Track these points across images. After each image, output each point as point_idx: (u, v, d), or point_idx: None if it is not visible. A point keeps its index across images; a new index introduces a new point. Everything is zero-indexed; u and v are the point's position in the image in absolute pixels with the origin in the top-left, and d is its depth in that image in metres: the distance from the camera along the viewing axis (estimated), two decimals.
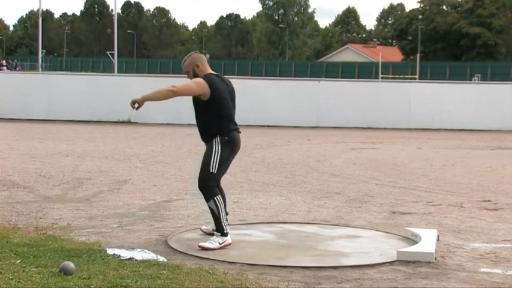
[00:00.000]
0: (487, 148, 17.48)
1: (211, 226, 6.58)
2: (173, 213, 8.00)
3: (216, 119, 6.35)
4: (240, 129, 6.61)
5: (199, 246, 6.21)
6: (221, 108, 6.35)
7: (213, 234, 6.40)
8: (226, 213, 6.53)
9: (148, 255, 5.83)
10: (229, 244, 6.32)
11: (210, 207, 6.32)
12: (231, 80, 6.79)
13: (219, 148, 6.33)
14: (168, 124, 21.25)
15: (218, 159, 6.30)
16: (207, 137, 6.42)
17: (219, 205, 6.28)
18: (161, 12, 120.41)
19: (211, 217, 6.38)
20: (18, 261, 5.41)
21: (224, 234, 6.30)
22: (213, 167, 6.29)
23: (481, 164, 13.87)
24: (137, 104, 6.26)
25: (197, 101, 6.36)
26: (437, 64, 76.32)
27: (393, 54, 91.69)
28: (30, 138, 17.18)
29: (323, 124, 23.08)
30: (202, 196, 6.46)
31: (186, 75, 6.54)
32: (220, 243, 6.24)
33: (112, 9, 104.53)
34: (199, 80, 6.30)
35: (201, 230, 6.82)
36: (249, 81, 27.83)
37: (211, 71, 6.49)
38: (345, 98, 23.50)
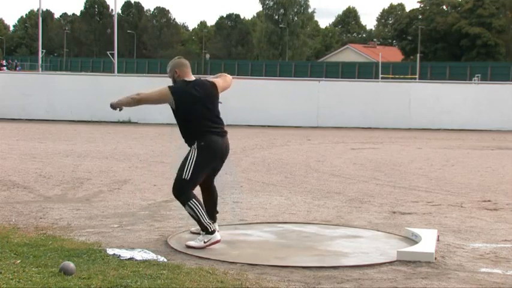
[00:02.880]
0: (487, 148, 17.48)
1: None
2: (173, 213, 8.00)
3: (189, 125, 6.36)
4: (226, 130, 6.54)
5: (186, 245, 6.27)
6: (190, 114, 6.32)
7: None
8: (217, 212, 6.66)
9: (148, 255, 5.83)
10: (218, 241, 6.31)
11: (187, 212, 6.36)
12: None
13: (195, 154, 6.30)
14: (168, 124, 21.22)
15: (192, 165, 6.27)
16: (188, 142, 6.45)
17: (195, 208, 6.27)
18: (161, 12, 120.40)
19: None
20: (18, 261, 5.41)
21: (209, 233, 6.30)
22: (186, 174, 6.26)
23: (481, 164, 13.87)
24: (118, 107, 6.38)
25: (172, 110, 6.41)
26: (437, 64, 76.39)
27: (393, 54, 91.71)
28: (30, 138, 17.18)
29: (323, 124, 23.08)
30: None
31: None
32: (205, 242, 6.27)
33: (112, 9, 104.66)
34: (164, 88, 6.35)
35: (190, 231, 6.85)
36: (249, 81, 27.84)
37: (189, 77, 6.47)
38: (345, 98, 23.49)
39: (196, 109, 6.34)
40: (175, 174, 6.38)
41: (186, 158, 6.34)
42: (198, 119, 6.34)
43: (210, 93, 6.50)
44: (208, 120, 6.38)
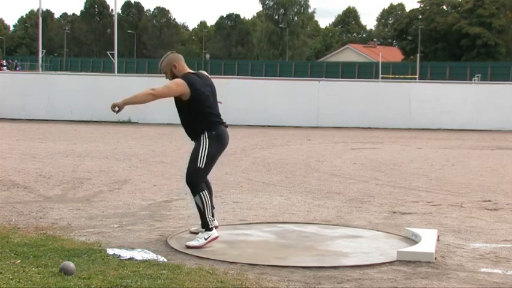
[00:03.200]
0: (487, 148, 17.48)
1: (198, 226, 6.63)
2: (173, 213, 8.00)
3: (200, 115, 6.39)
4: (227, 124, 6.63)
5: (186, 246, 6.27)
6: (204, 105, 6.38)
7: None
8: (213, 207, 6.60)
9: (148, 255, 5.83)
10: (217, 238, 6.38)
11: (195, 202, 6.38)
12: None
13: (207, 143, 6.36)
14: (168, 124, 21.25)
15: (206, 154, 6.33)
16: (194, 134, 6.47)
17: (204, 201, 6.32)
18: (161, 12, 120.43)
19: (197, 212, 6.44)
20: (18, 261, 5.41)
21: (209, 229, 6.35)
22: (201, 162, 6.32)
23: (481, 164, 13.87)
24: (117, 107, 6.31)
25: (179, 101, 6.40)
26: (437, 64, 76.38)
27: (393, 54, 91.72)
28: (30, 138, 17.18)
29: (323, 124, 23.08)
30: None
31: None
32: (206, 239, 6.30)
33: (112, 9, 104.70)
34: (179, 80, 6.33)
35: (190, 231, 6.86)
36: (249, 81, 27.84)
37: (189, 70, 6.53)
38: (345, 98, 23.50)
39: (209, 99, 6.43)
40: (188, 164, 6.39)
41: (197, 148, 6.37)
42: (209, 108, 6.41)
43: (214, 85, 6.60)
44: (216, 111, 6.49)
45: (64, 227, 7.15)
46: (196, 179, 6.33)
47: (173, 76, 6.45)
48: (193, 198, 6.39)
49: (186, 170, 6.42)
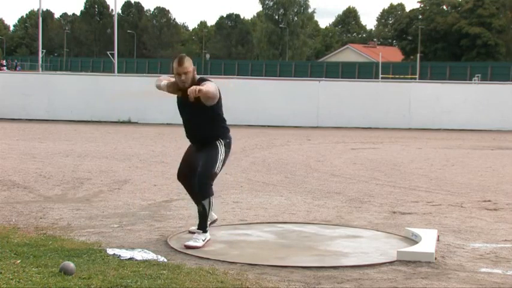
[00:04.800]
0: (487, 148, 17.48)
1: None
2: (173, 213, 8.00)
3: (218, 122, 6.50)
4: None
5: (185, 246, 6.28)
6: (222, 112, 6.52)
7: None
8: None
9: (148, 255, 5.83)
10: (209, 240, 6.48)
11: (203, 205, 6.40)
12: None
13: (223, 149, 6.48)
14: (168, 124, 21.25)
15: (222, 160, 6.46)
16: (208, 140, 6.47)
17: (211, 205, 6.41)
18: (161, 12, 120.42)
19: (198, 213, 6.48)
20: (18, 261, 5.41)
21: (206, 232, 6.45)
22: (218, 168, 6.43)
23: (481, 164, 13.87)
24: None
25: (198, 106, 6.27)
26: (437, 64, 76.45)
27: (393, 54, 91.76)
28: (30, 138, 17.18)
29: (323, 124, 23.08)
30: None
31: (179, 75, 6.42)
32: (203, 240, 6.36)
33: (112, 9, 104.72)
34: (214, 84, 6.35)
35: (189, 231, 6.86)
36: (249, 81, 27.84)
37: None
38: (345, 98, 23.49)
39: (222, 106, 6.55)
40: (203, 167, 6.35)
41: (215, 153, 6.42)
42: (223, 115, 6.54)
43: None
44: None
45: (64, 227, 7.15)
46: (209, 185, 6.39)
47: (191, 78, 6.36)
48: (202, 201, 6.39)
49: (199, 172, 6.38)
